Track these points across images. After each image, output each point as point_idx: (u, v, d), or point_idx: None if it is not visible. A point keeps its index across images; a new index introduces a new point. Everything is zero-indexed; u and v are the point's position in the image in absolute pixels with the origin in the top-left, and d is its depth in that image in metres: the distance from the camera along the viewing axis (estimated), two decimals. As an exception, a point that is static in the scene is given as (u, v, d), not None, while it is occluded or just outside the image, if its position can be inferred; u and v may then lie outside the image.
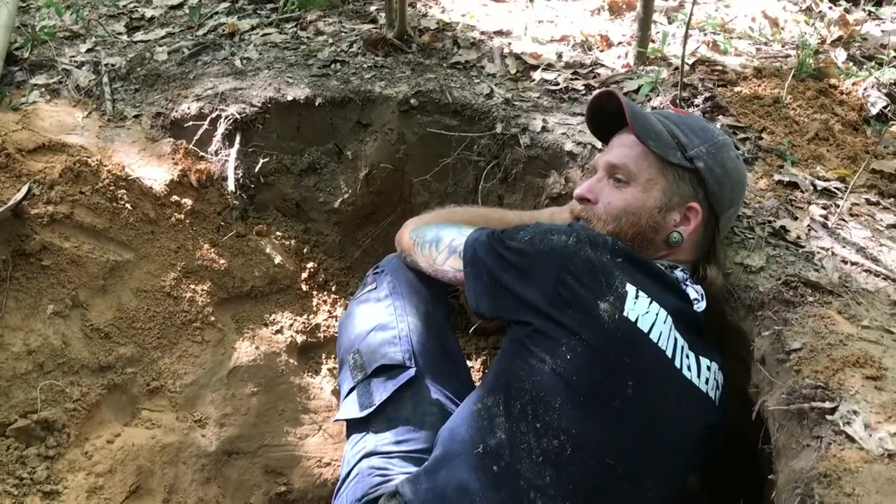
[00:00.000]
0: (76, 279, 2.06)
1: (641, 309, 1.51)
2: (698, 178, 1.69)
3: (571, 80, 2.59)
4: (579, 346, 1.48)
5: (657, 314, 1.53)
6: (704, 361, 1.63)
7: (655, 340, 1.52)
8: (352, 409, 1.84)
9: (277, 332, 2.45)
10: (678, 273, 1.70)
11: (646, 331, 1.51)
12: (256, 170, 2.50)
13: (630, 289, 1.52)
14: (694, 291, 1.67)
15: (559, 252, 1.52)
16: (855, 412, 1.46)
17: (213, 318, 2.30)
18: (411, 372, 1.83)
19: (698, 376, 1.60)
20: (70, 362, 1.99)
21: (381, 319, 1.91)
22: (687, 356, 1.59)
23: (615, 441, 1.51)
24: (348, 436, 1.87)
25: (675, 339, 1.56)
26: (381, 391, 1.82)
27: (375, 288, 1.99)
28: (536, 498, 1.48)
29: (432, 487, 1.56)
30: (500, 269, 1.58)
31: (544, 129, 2.34)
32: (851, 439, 1.43)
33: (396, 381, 1.82)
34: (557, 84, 2.57)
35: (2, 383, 1.88)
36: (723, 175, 1.70)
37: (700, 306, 1.65)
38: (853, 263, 1.84)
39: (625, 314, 1.49)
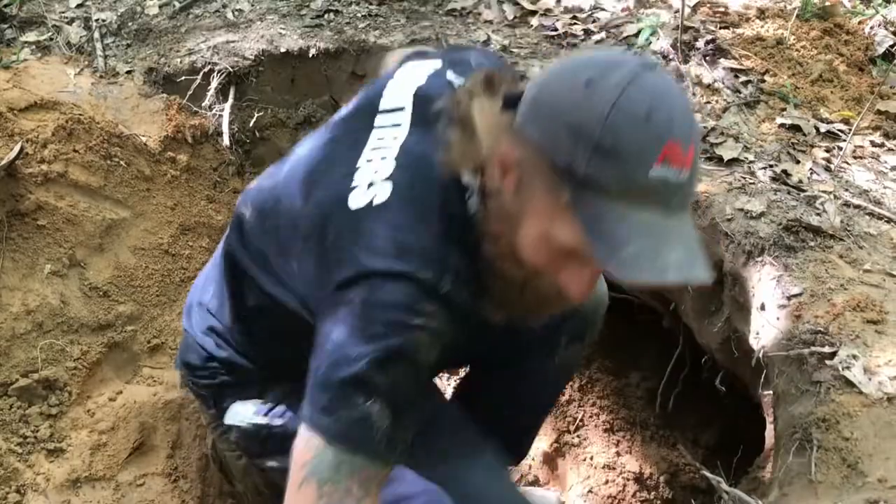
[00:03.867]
0: (73, 238, 2.05)
1: None
2: None
3: (570, 24, 2.53)
4: None
5: None
6: None
7: None
8: None
9: (277, 287, 2.44)
10: None
11: None
12: (251, 124, 2.46)
13: None
14: None
15: None
16: (854, 356, 1.45)
17: (212, 275, 2.29)
18: None
19: None
20: (69, 321, 1.99)
21: None
22: None
23: None
24: None
25: None
26: None
27: None
28: None
29: None
30: None
31: (542, 75, 2.30)
32: (850, 384, 1.42)
33: None
34: (556, 29, 2.52)
35: (2, 343, 1.88)
36: None
37: None
38: (855, 206, 1.82)
39: None
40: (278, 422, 1.47)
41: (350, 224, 1.14)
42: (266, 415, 1.49)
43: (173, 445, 2.01)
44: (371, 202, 1.13)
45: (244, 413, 1.51)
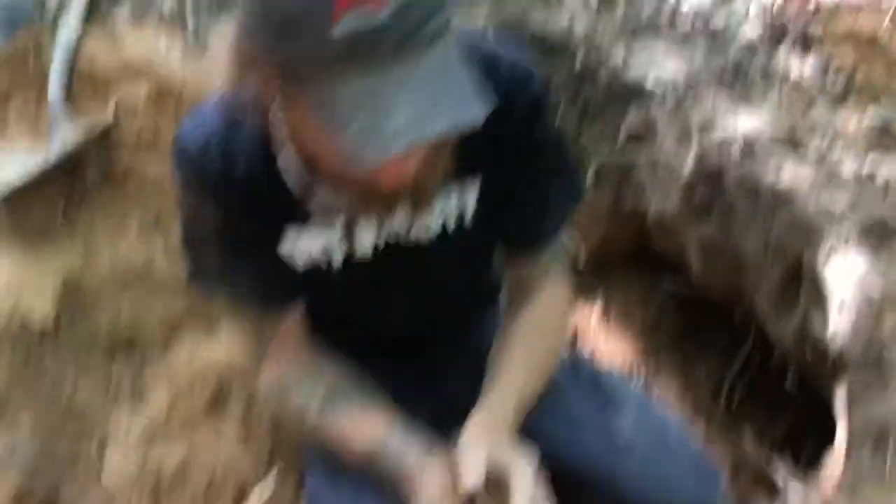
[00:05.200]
0: (159, 202, 2.12)
1: None
2: None
3: (656, 10, 2.51)
4: None
5: None
6: None
7: None
8: None
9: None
10: None
11: None
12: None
13: None
14: None
15: None
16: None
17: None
18: None
19: None
20: (154, 281, 2.06)
21: None
22: None
23: None
24: None
25: None
26: None
27: None
28: None
29: None
30: None
31: (625, 63, 2.29)
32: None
33: None
34: (641, 15, 2.49)
35: (89, 299, 1.97)
36: None
37: None
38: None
39: None
40: None
41: None
42: None
43: (247, 406, 2.07)
44: None
45: None
